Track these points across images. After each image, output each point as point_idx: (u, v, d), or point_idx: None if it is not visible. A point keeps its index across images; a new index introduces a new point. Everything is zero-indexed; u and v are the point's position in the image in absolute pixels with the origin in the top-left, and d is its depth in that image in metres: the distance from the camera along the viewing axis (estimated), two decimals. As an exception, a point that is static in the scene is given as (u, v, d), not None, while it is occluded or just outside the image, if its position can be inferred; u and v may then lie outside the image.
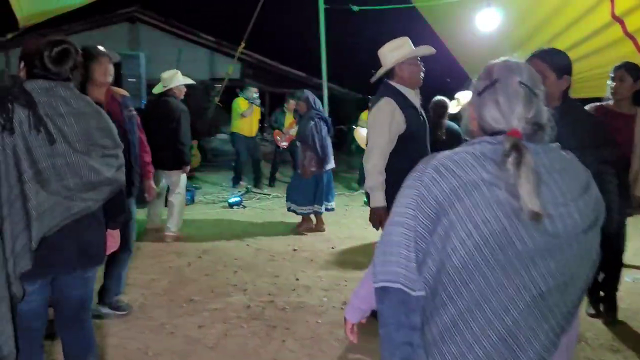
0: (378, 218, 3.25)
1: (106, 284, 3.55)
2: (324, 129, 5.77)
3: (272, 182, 9.30)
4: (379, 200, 3.22)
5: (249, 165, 9.09)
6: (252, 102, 8.41)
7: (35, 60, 2.01)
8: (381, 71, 3.35)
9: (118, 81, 6.91)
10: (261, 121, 10.36)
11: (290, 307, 3.87)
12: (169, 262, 4.80)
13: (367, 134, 3.37)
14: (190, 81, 5.44)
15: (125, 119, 3.28)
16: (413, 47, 3.34)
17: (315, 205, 5.90)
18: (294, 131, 9.45)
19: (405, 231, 1.21)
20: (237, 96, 9.03)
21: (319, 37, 8.92)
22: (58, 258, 2.09)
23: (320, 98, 7.05)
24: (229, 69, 12.43)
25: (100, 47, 3.16)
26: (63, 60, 2.04)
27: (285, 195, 6.27)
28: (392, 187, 3.20)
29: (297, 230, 6.04)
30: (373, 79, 3.47)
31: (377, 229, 3.29)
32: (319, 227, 6.10)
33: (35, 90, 1.97)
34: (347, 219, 6.49)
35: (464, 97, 5.24)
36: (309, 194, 5.84)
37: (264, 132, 13.40)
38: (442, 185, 1.17)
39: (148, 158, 3.96)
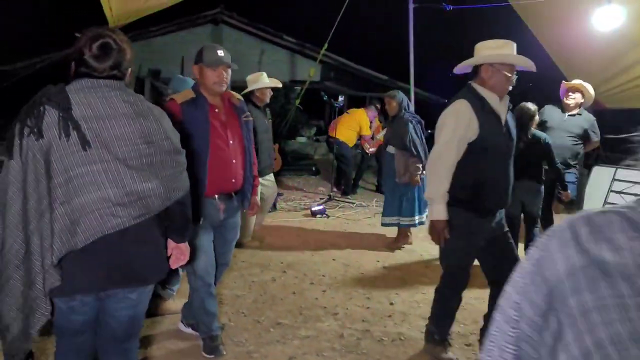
0: (438, 232, 2.84)
1: (190, 301, 3.25)
2: (421, 132, 5.28)
3: (354, 189, 8.87)
4: (440, 212, 2.81)
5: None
6: (337, 106, 8.03)
7: (79, 57, 1.81)
8: (466, 62, 2.89)
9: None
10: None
11: (388, 338, 3.43)
12: (253, 277, 4.49)
13: (435, 137, 2.92)
14: (276, 83, 5.10)
15: (242, 126, 2.97)
16: (514, 53, 2.84)
17: (417, 217, 5.40)
18: (381, 136, 9.01)
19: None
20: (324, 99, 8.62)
21: (405, 38, 8.46)
22: (88, 275, 1.84)
23: (419, 103, 6.57)
24: (311, 71, 12.19)
25: (219, 51, 2.81)
26: (104, 56, 1.81)
27: (368, 204, 5.82)
28: (453, 202, 2.82)
29: (392, 245, 5.56)
30: (456, 69, 2.98)
31: (436, 243, 2.92)
32: (405, 239, 5.62)
33: (76, 90, 1.77)
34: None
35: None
36: (407, 204, 5.35)
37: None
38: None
39: (256, 170, 3.42)
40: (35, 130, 1.68)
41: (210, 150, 2.78)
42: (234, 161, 2.89)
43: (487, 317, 3.08)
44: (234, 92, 3.03)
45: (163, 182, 1.86)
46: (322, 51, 11.15)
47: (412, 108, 5.38)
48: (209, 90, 2.80)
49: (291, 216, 6.82)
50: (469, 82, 2.92)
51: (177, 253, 2.14)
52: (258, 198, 3.40)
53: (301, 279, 4.51)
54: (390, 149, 5.37)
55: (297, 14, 16.27)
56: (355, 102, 13.58)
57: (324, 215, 6.81)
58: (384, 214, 5.49)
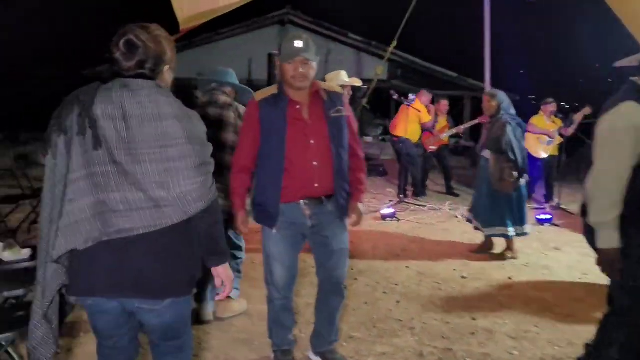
0: (610, 263, 2.38)
1: (317, 326, 2.99)
2: (521, 136, 4.89)
3: (423, 190, 8.51)
4: (611, 239, 2.35)
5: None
6: (407, 105, 7.70)
7: (111, 56, 1.76)
8: (632, 60, 2.46)
9: (270, 82, 6.64)
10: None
11: (473, 359, 3.12)
12: (323, 284, 4.29)
13: (594, 150, 2.49)
14: (356, 82, 4.83)
15: (329, 123, 2.62)
16: None
17: (509, 228, 4.99)
18: (445, 136, 8.61)
19: None
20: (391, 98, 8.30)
21: (478, 32, 8.03)
22: (90, 278, 1.75)
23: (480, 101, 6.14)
24: (379, 69, 11.88)
25: (296, 42, 2.53)
26: (129, 54, 1.72)
27: (440, 206, 5.47)
28: (624, 226, 2.33)
29: (477, 251, 5.23)
30: (618, 63, 2.56)
31: (610, 276, 2.45)
32: (490, 248, 5.25)
33: (106, 89, 1.72)
34: (520, 242, 5.53)
35: None
36: (502, 212, 4.97)
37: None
38: None
39: (361, 174, 2.84)
40: (61, 126, 1.69)
41: (285, 151, 2.57)
42: (314, 163, 2.59)
43: (599, 345, 2.65)
44: (327, 84, 2.79)
45: (181, 191, 1.70)
46: (391, 48, 10.84)
47: (513, 110, 4.98)
48: (290, 86, 2.59)
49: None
50: (632, 78, 2.45)
51: (217, 279, 1.95)
52: (362, 207, 2.87)
53: (373, 287, 4.26)
54: (486, 152, 5.02)
55: (363, 11, 16.04)
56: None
57: (395, 218, 6.52)
58: (485, 223, 5.10)
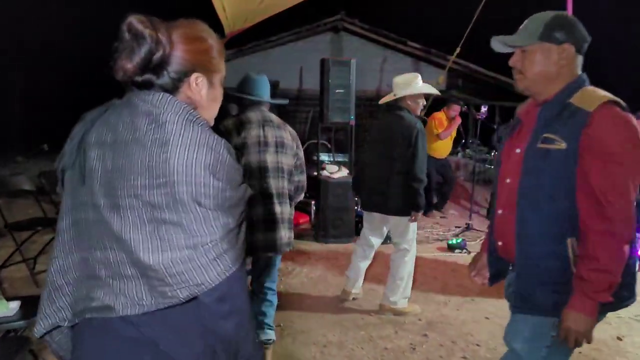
0: None
1: None
2: None
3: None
4: None
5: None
6: (480, 118, 6.80)
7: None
8: None
9: (323, 93, 5.93)
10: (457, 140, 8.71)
11: None
12: (386, 341, 3.49)
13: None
14: (432, 89, 3.89)
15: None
16: None
17: None
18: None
19: None
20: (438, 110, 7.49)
21: None
22: None
23: None
24: (439, 79, 11.07)
25: None
26: (129, 49, 1.18)
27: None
28: None
29: None
30: None
31: None
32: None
33: (113, 106, 1.26)
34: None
35: None
36: None
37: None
38: None
39: None
40: (62, 156, 1.27)
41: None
42: (499, 212, 1.91)
43: None
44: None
45: (179, 255, 1.13)
46: (453, 57, 10.06)
47: None
48: None
49: (424, 250, 5.73)
50: None
51: None
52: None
53: (449, 348, 3.43)
54: None
55: (422, 18, 15.19)
56: (502, 112, 12.18)
57: (465, 250, 5.64)
58: None
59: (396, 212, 3.77)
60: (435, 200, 7.63)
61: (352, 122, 5.99)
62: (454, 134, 7.36)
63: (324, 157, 14.08)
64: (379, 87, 13.11)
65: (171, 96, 1.20)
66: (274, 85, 13.74)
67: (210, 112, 1.32)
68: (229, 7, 5.22)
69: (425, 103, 3.98)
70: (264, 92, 2.96)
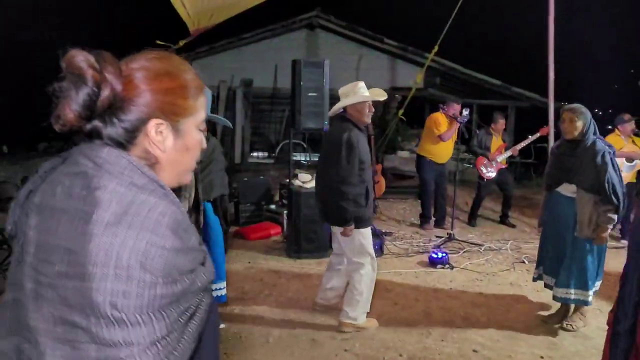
0: None
1: None
2: (618, 167, 3.69)
3: (473, 221, 7.27)
4: None
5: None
6: (460, 122, 6.43)
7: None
8: None
9: (294, 97, 5.50)
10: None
11: None
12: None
13: None
14: (380, 95, 3.75)
15: None
16: None
17: (590, 292, 3.78)
18: (502, 158, 7.34)
19: None
20: (436, 110, 7.13)
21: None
22: None
23: (538, 112, 4.88)
24: (417, 77, 10.74)
25: None
26: (67, 93, 0.94)
27: (500, 246, 4.23)
28: None
29: (553, 321, 3.99)
30: None
31: None
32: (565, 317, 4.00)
33: (68, 158, 1.02)
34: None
35: None
36: (585, 271, 3.75)
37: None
38: None
39: None
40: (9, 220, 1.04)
41: None
42: None
43: None
44: None
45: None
46: (432, 55, 9.78)
47: (595, 130, 3.73)
48: None
49: (403, 265, 5.36)
50: None
51: None
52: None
53: (433, 390, 3.05)
54: (567, 188, 3.78)
55: (399, 15, 14.82)
56: (480, 111, 11.91)
57: (447, 265, 5.27)
58: (561, 283, 3.86)
59: (335, 223, 3.68)
60: (432, 212, 7.11)
61: (327, 128, 5.56)
62: (454, 136, 6.87)
63: (299, 157, 13.71)
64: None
65: (118, 151, 0.97)
66: (247, 84, 13.30)
67: (179, 167, 1.06)
68: (189, 3, 4.76)
69: (373, 110, 3.74)
70: None
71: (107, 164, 0.94)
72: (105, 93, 0.94)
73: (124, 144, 0.98)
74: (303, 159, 13.79)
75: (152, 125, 0.99)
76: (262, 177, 7.74)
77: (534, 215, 8.09)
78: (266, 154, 14.11)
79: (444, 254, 5.36)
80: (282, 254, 5.58)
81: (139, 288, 0.87)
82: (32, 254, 0.95)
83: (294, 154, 12.81)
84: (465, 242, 6.15)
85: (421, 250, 5.85)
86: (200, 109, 1.07)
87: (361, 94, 3.63)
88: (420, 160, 7.04)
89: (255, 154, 14.17)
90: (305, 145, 13.02)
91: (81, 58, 0.93)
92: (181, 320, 0.94)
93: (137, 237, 0.88)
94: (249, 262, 5.26)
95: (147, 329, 0.88)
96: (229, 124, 2.74)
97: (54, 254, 0.91)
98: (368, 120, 3.73)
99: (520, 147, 7.50)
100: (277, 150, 13.84)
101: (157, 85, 0.99)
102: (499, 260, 5.61)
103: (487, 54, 14.60)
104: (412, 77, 11.49)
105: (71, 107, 0.93)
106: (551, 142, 7.10)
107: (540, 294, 4.51)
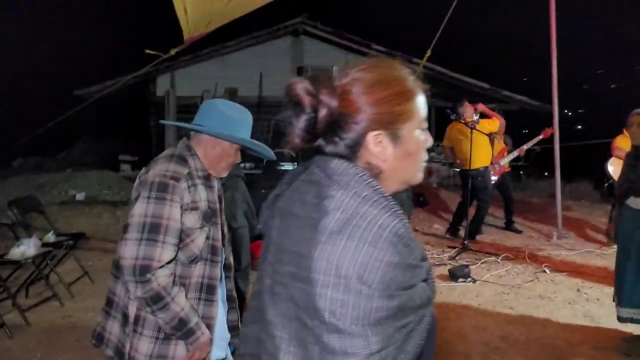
0: None
1: None
2: None
3: (480, 229, 7.01)
4: None
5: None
6: (472, 128, 6.17)
7: None
8: None
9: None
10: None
11: None
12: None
13: None
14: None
15: None
16: None
17: None
18: (505, 161, 7.16)
19: None
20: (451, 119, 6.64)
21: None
22: None
23: (527, 115, 4.67)
24: (410, 82, 10.57)
25: None
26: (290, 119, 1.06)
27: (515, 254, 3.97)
28: None
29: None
30: None
31: None
32: None
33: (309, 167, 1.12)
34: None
35: None
36: None
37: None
38: None
39: None
40: None
41: None
42: None
43: None
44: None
45: None
46: (424, 61, 9.60)
47: None
48: None
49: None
50: None
51: None
52: None
53: None
54: (638, 202, 3.55)
55: (387, 20, 14.68)
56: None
57: (470, 279, 5.00)
58: (621, 302, 3.62)
59: None
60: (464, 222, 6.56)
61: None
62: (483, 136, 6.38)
63: (287, 167, 13.39)
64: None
65: (346, 163, 1.01)
66: (232, 93, 12.95)
67: (402, 173, 1.06)
68: (192, 7, 4.43)
69: None
70: (197, 117, 1.97)
71: (335, 175, 0.98)
72: (322, 114, 0.97)
73: (349, 158, 1.01)
74: (291, 168, 13.54)
75: (371, 137, 1.00)
76: (263, 190, 7.40)
77: (536, 220, 7.94)
78: (253, 164, 13.77)
79: (467, 268, 5.09)
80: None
81: (356, 299, 0.89)
82: (272, 252, 1.05)
83: (282, 163, 12.52)
84: (480, 252, 5.91)
85: (437, 263, 5.58)
86: (418, 110, 1.04)
87: None
88: (480, 171, 6.45)
89: (242, 164, 13.79)
90: (294, 155, 12.71)
91: (299, 86, 0.97)
92: (398, 335, 0.93)
93: (356, 248, 0.90)
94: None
95: (363, 340, 0.90)
96: (272, 154, 2.13)
97: (287, 255, 1.00)
98: None
99: (527, 147, 7.32)
100: (265, 161, 13.51)
101: (371, 98, 0.99)
102: (519, 270, 5.37)
103: (475, 58, 14.55)
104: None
105: (295, 132, 0.98)
106: (556, 144, 6.95)
107: (574, 306, 4.29)
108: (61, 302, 4.38)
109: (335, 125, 0.99)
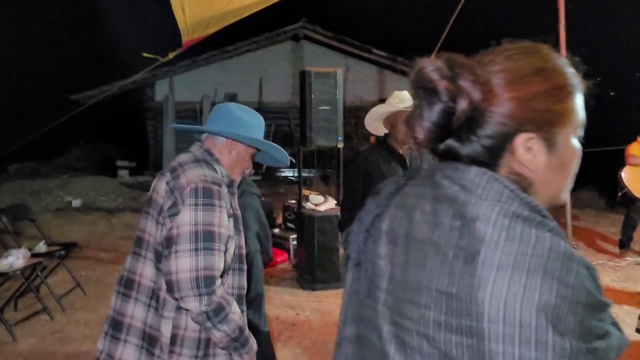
0: None
1: None
2: None
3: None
4: None
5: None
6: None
7: None
8: None
9: (304, 111, 5.02)
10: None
11: None
12: None
13: None
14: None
15: None
16: None
17: None
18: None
19: None
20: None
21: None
22: None
23: None
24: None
25: None
26: (421, 109, 0.86)
27: None
28: None
29: None
30: None
31: None
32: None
33: (414, 179, 0.95)
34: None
35: None
36: None
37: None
38: None
39: None
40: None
41: None
42: None
43: None
44: None
45: None
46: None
47: None
48: None
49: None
50: None
51: None
52: None
53: None
54: None
55: (388, 24, 14.55)
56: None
57: None
58: None
59: None
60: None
61: (341, 144, 5.09)
62: None
63: (286, 173, 13.18)
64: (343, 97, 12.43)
65: (488, 172, 0.79)
66: (232, 98, 12.76)
67: (551, 189, 0.85)
68: (191, 8, 4.25)
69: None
70: (210, 120, 1.85)
71: (478, 189, 0.77)
72: (462, 106, 0.77)
73: (488, 163, 0.81)
74: (291, 174, 13.33)
75: (521, 141, 0.79)
76: (264, 198, 7.21)
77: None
78: (253, 170, 13.57)
79: None
80: (293, 284, 5.05)
81: (555, 356, 0.66)
82: (386, 290, 0.85)
83: (281, 169, 12.30)
84: None
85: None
86: (578, 111, 0.83)
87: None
88: None
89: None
90: (294, 161, 12.48)
91: (431, 68, 0.78)
92: None
93: (541, 286, 0.67)
94: (259, 296, 4.72)
95: None
96: (287, 159, 1.94)
97: (422, 295, 0.78)
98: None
99: None
100: (265, 167, 13.33)
101: (524, 91, 0.79)
102: None
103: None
104: (401, 88, 11.18)
105: (424, 125, 0.79)
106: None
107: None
108: (51, 316, 4.17)
109: (476, 121, 0.79)
